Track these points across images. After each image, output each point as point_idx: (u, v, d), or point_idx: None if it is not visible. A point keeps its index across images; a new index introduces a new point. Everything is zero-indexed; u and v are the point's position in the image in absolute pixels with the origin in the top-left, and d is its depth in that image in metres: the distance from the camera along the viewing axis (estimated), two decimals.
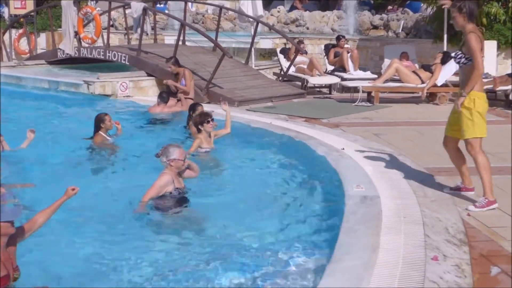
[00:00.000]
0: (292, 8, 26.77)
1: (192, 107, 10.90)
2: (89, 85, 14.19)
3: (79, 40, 16.79)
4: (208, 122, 9.53)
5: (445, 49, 15.24)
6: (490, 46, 15.27)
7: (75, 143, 10.11)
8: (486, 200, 6.80)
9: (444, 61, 14.26)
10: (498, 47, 16.16)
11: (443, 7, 7.65)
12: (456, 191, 7.30)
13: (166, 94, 12.81)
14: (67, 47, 16.75)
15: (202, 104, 11.46)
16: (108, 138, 9.99)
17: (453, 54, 7.28)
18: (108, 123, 10.00)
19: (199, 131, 9.62)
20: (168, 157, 7.26)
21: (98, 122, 9.99)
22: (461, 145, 7.22)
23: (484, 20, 16.49)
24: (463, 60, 6.93)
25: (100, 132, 9.97)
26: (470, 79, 6.82)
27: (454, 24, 7.11)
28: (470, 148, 6.95)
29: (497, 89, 13.70)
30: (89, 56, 16.48)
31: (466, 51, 6.89)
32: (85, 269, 5.70)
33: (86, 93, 14.22)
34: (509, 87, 13.71)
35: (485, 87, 12.55)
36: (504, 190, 7.46)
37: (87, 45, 16.71)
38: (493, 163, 8.68)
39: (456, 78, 13.74)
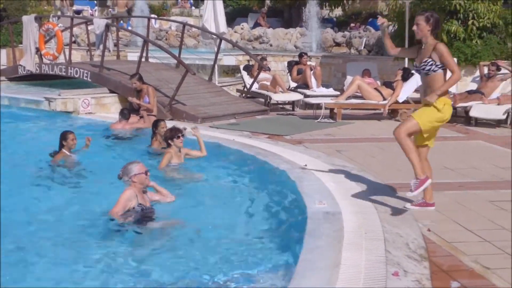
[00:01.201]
0: (256, 25, 26.93)
1: (155, 124, 10.89)
2: (51, 102, 14.05)
3: (40, 57, 16.63)
4: (179, 137, 9.56)
5: (406, 66, 15.41)
6: None
7: (35, 161, 10.00)
8: (418, 180, 6.94)
9: (404, 78, 14.43)
10: (458, 65, 16.33)
11: (383, 25, 7.77)
12: (416, 206, 7.35)
13: (127, 111, 12.73)
14: (28, 63, 16.58)
15: (165, 120, 11.43)
16: (69, 155, 9.88)
17: (417, 64, 7.33)
18: (70, 141, 9.88)
19: (169, 146, 9.62)
20: (129, 174, 7.24)
21: (61, 140, 9.91)
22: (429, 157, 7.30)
23: (444, 38, 16.72)
24: (433, 67, 7.05)
25: (62, 150, 9.88)
26: (444, 83, 7.04)
27: (416, 32, 7.21)
28: (400, 129, 7.08)
29: (457, 105, 13.88)
30: (51, 72, 16.32)
31: (437, 59, 7.04)
32: None
33: (47, 110, 14.06)
34: (468, 103, 13.89)
35: None
36: (464, 205, 7.55)
37: (48, 62, 16.56)
38: (454, 178, 8.86)
39: (417, 95, 13.94)
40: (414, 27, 7.23)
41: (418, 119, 7.08)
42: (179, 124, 10.88)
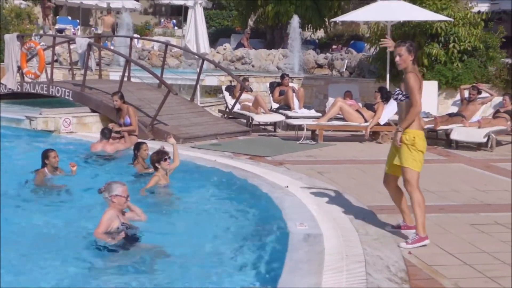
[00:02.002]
0: (239, 45, 27.01)
1: (137, 146, 10.83)
2: (32, 121, 13.97)
3: (22, 75, 16.56)
4: (165, 160, 9.55)
5: (387, 88, 15.46)
6: (431, 86, 15.57)
7: (15, 179, 9.91)
8: (417, 236, 6.91)
9: (383, 97, 14.50)
10: (439, 87, 16.49)
11: (388, 49, 7.76)
12: (397, 229, 7.35)
13: (107, 130, 12.67)
14: (10, 82, 16.49)
15: (146, 141, 11.41)
16: (49, 175, 9.84)
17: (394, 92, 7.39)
18: (52, 159, 9.88)
19: (156, 169, 9.61)
20: (110, 193, 7.19)
21: (43, 158, 9.89)
22: (401, 183, 7.30)
23: (426, 61, 16.87)
24: (400, 96, 7.06)
25: (44, 168, 9.84)
26: (407, 115, 6.97)
27: (399, 63, 7.13)
28: (408, 184, 7.02)
29: (438, 128, 13.96)
30: (32, 91, 16.23)
31: (404, 89, 7.01)
32: None
33: (28, 128, 13.98)
34: (449, 126, 13.97)
35: (426, 126, 12.88)
36: (444, 228, 7.57)
37: (30, 80, 16.49)
38: (434, 201, 8.86)
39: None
40: (397, 58, 7.10)
41: (409, 166, 6.99)
42: (158, 144, 10.88)
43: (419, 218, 6.94)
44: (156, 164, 9.59)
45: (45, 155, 9.92)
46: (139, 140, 11.76)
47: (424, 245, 6.86)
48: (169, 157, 9.64)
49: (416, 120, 7.01)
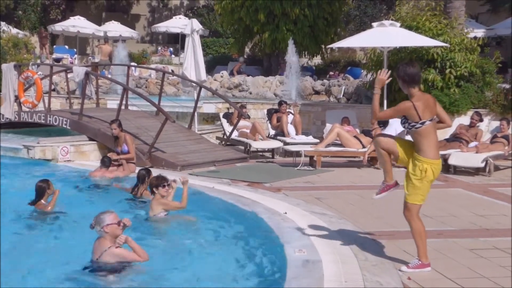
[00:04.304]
0: (237, 72, 27.13)
1: (148, 175, 10.75)
2: (29, 150, 13.96)
3: (19, 104, 16.59)
4: (164, 186, 9.46)
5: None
6: None
7: (14, 209, 9.89)
8: (420, 262, 6.88)
9: (380, 123, 14.52)
10: None
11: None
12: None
13: (107, 159, 12.68)
14: (7, 111, 16.52)
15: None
16: (46, 204, 9.80)
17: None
18: (52, 186, 9.83)
19: (153, 193, 9.55)
20: (101, 224, 7.10)
21: (44, 190, 9.75)
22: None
23: (422, 87, 16.91)
24: (406, 125, 6.88)
25: (41, 201, 9.77)
26: (418, 141, 6.81)
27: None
28: (407, 212, 6.98)
29: None
30: (30, 120, 16.27)
31: (409, 117, 6.78)
32: None
33: (25, 157, 13.97)
34: (447, 151, 13.98)
35: None
36: (443, 254, 7.54)
37: (27, 109, 16.52)
38: (433, 226, 8.84)
39: None
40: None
41: (413, 201, 6.90)
42: (165, 173, 10.85)
43: (420, 246, 6.91)
44: (154, 189, 9.53)
45: (47, 185, 9.83)
46: (146, 167, 11.73)
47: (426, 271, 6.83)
48: (169, 185, 9.58)
49: (433, 148, 6.83)
